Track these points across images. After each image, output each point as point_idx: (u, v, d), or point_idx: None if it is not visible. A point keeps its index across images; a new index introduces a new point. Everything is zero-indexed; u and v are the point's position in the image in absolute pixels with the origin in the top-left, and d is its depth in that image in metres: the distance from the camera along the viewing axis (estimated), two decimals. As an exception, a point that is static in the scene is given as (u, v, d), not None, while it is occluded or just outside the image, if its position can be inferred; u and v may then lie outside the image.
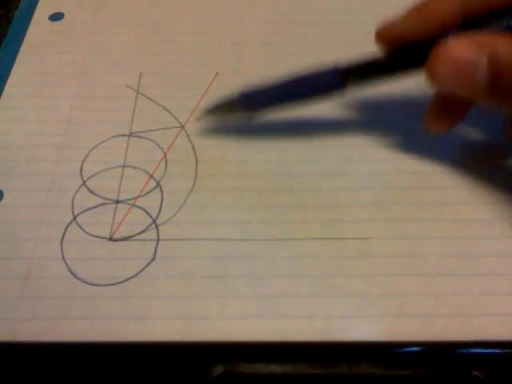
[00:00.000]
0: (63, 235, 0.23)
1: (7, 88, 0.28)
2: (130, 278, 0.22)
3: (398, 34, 0.21)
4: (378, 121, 0.26)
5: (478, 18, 0.20)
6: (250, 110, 0.25)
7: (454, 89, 0.20)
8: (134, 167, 0.25)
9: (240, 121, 0.25)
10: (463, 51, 0.19)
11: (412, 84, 0.23)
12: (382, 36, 0.22)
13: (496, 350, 0.20)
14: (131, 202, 0.24)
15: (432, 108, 0.23)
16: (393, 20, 0.22)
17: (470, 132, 0.26)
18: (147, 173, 0.25)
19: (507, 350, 0.20)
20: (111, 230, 0.23)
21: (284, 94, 0.24)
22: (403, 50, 0.21)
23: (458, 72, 0.19)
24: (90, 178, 0.25)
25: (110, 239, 0.23)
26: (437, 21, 0.20)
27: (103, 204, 0.24)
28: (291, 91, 0.24)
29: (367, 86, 0.23)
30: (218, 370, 0.19)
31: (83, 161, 0.25)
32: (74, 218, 0.23)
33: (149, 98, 0.28)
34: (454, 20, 0.20)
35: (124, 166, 0.25)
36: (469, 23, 0.20)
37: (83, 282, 0.22)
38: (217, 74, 0.29)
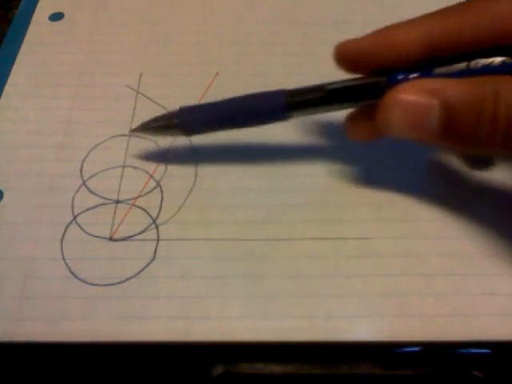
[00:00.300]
0: (63, 235, 0.23)
1: (7, 88, 0.28)
2: (130, 278, 0.22)
3: (356, 56, 0.21)
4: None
5: (443, 56, 0.19)
6: (188, 131, 0.23)
7: (407, 135, 0.19)
8: (133, 167, 0.25)
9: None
10: (415, 97, 0.18)
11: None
12: (338, 55, 0.21)
13: (496, 350, 0.20)
14: (131, 201, 0.24)
15: (353, 114, 0.23)
16: (353, 40, 0.21)
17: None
18: (147, 173, 0.25)
19: (507, 350, 0.20)
20: (111, 229, 0.23)
21: (224, 117, 0.23)
22: (354, 81, 0.21)
23: (410, 118, 0.19)
24: (90, 178, 0.25)
25: (110, 239, 0.23)
26: (396, 50, 0.20)
27: (103, 204, 0.24)
28: (232, 115, 0.23)
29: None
30: (218, 369, 0.19)
31: (83, 161, 0.25)
32: (74, 218, 0.23)
33: (149, 98, 0.28)
34: (415, 52, 0.19)
35: (124, 166, 0.25)
36: (433, 61, 0.19)
37: (83, 282, 0.22)
38: (217, 74, 0.29)
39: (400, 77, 0.20)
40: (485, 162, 0.23)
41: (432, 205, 0.24)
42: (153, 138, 0.24)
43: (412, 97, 0.18)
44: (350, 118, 0.23)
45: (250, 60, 0.29)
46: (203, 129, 0.23)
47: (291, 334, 0.20)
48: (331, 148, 0.26)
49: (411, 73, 0.19)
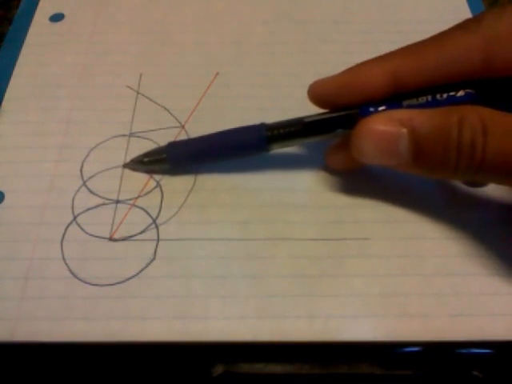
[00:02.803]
0: (63, 235, 0.23)
1: (9, 90, 0.28)
2: (130, 278, 0.22)
3: (327, 95, 0.22)
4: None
5: (409, 90, 0.21)
6: (176, 164, 0.24)
7: (380, 162, 0.21)
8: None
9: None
10: (384, 126, 0.20)
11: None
12: (312, 95, 0.22)
13: (496, 350, 0.20)
14: (131, 201, 0.24)
15: (335, 144, 0.24)
16: (324, 79, 0.22)
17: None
18: (147, 173, 0.25)
19: (507, 350, 0.20)
20: (111, 229, 0.23)
21: (208, 152, 0.24)
22: (329, 114, 0.22)
23: (381, 146, 0.20)
24: (90, 178, 0.25)
25: (110, 239, 0.23)
26: (364, 87, 0.21)
27: (103, 204, 0.24)
28: (216, 148, 0.24)
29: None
30: (218, 369, 0.19)
31: (83, 161, 0.25)
32: (74, 218, 0.23)
33: (149, 98, 0.28)
34: (383, 89, 0.21)
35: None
36: (401, 94, 0.21)
37: (83, 281, 0.22)
38: (217, 74, 0.29)
39: (371, 109, 0.21)
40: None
41: (432, 205, 0.24)
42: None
43: (382, 126, 0.20)
44: (330, 150, 0.24)
45: (250, 60, 0.29)
46: (189, 163, 0.25)
47: (291, 334, 0.20)
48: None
49: (381, 105, 0.21)
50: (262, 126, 0.23)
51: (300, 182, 0.25)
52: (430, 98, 0.20)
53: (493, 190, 0.24)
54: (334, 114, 0.22)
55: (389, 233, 0.23)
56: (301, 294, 0.21)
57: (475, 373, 0.19)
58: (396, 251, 0.22)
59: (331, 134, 0.22)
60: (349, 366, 0.19)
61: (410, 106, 0.21)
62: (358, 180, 0.24)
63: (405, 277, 0.22)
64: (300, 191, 0.24)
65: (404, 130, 0.19)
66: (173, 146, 0.24)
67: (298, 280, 0.22)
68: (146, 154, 0.24)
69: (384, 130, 0.20)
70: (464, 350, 0.20)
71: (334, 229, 0.23)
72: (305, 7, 0.32)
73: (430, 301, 0.21)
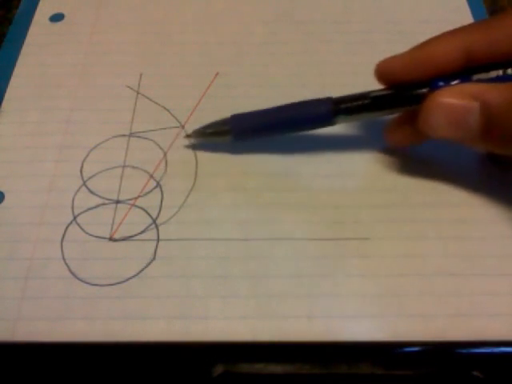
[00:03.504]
0: (63, 235, 0.23)
1: (9, 90, 0.28)
2: (130, 278, 0.22)
3: (397, 73, 0.22)
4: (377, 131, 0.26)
5: (480, 64, 0.21)
6: (239, 136, 0.24)
7: (449, 135, 0.20)
8: (133, 167, 0.25)
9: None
10: (456, 99, 0.20)
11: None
12: (380, 73, 0.22)
13: (496, 350, 0.20)
14: (131, 201, 0.24)
15: (396, 120, 0.24)
16: (393, 57, 0.22)
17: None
18: (147, 173, 0.25)
19: (507, 350, 0.20)
20: (111, 229, 0.23)
21: (274, 124, 0.24)
22: (396, 89, 0.22)
23: (451, 119, 0.20)
24: (90, 178, 0.25)
25: (110, 239, 0.23)
26: (436, 63, 0.21)
27: (103, 204, 0.24)
28: (281, 121, 0.24)
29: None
30: (218, 369, 0.19)
31: (83, 161, 0.25)
32: (75, 218, 0.23)
33: (149, 98, 0.28)
34: (454, 64, 0.21)
35: (124, 166, 0.25)
36: (471, 69, 0.21)
37: (83, 281, 0.22)
38: (217, 74, 0.29)
39: (441, 83, 0.21)
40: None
41: (432, 205, 0.24)
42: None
43: (453, 99, 0.20)
44: (390, 127, 0.24)
45: (250, 60, 0.29)
46: (253, 135, 0.25)
47: (291, 334, 0.20)
48: (331, 148, 0.26)
49: (451, 80, 0.21)
50: (329, 100, 0.23)
51: (300, 181, 0.25)
52: (501, 72, 0.20)
53: (493, 189, 0.24)
54: (402, 88, 0.22)
55: (389, 233, 0.23)
56: (301, 294, 0.21)
57: (475, 373, 0.19)
58: (396, 251, 0.22)
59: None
60: (349, 366, 0.19)
61: (480, 81, 0.20)
62: (358, 180, 0.24)
63: (405, 277, 0.22)
64: (300, 191, 0.24)
65: (475, 104, 0.19)
66: (237, 118, 0.24)
67: (297, 280, 0.22)
68: (209, 126, 0.25)
69: (455, 103, 0.20)
70: (464, 350, 0.20)
71: (334, 229, 0.23)
72: (305, 7, 0.32)
73: (430, 301, 0.21)
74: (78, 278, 0.22)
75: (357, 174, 0.25)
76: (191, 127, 0.26)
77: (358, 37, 0.30)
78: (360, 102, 0.22)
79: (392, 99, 0.22)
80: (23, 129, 0.26)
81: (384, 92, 0.22)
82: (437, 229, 0.23)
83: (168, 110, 0.27)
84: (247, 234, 0.23)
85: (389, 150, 0.25)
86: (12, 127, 0.26)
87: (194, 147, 0.26)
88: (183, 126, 0.26)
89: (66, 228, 0.23)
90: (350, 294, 0.21)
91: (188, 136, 0.25)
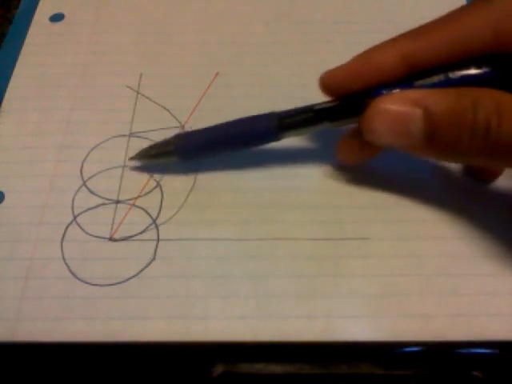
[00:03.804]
0: (63, 235, 0.23)
1: (9, 90, 0.28)
2: (130, 278, 0.22)
3: (340, 83, 0.22)
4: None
5: (422, 70, 0.20)
6: (185, 156, 0.24)
7: (392, 143, 0.20)
8: (134, 167, 0.25)
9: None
10: (397, 105, 0.19)
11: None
12: (324, 85, 0.22)
13: (496, 350, 0.20)
14: (131, 201, 0.24)
15: (343, 138, 0.23)
16: (336, 68, 0.22)
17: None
18: (147, 173, 0.25)
19: (507, 350, 0.20)
20: (111, 229, 0.23)
21: (218, 142, 0.23)
22: (340, 100, 0.22)
23: (393, 126, 0.20)
24: (90, 178, 0.25)
25: (110, 239, 0.23)
26: (376, 71, 0.21)
27: (103, 204, 0.24)
28: (226, 139, 0.23)
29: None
30: (218, 369, 0.19)
31: (83, 161, 0.25)
32: (75, 218, 0.23)
33: (149, 98, 0.28)
34: (396, 71, 0.20)
35: (124, 166, 0.25)
36: (414, 75, 0.20)
37: (83, 281, 0.22)
38: (217, 74, 0.29)
39: (383, 92, 0.21)
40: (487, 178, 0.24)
41: (432, 205, 0.24)
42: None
43: (395, 106, 0.19)
44: (340, 144, 0.24)
45: (250, 60, 0.29)
46: (198, 154, 0.24)
47: (291, 334, 0.20)
48: (331, 148, 0.26)
49: (393, 88, 0.20)
50: (273, 115, 0.22)
51: (300, 181, 0.25)
52: (442, 77, 0.20)
53: (493, 189, 0.24)
54: (345, 99, 0.22)
55: (389, 233, 0.23)
56: (301, 294, 0.21)
57: (475, 373, 0.19)
58: (396, 251, 0.22)
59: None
60: (349, 365, 0.19)
61: (422, 87, 0.20)
62: (358, 180, 0.24)
63: (405, 277, 0.22)
64: (300, 191, 0.24)
65: (418, 111, 0.19)
66: (181, 137, 0.24)
67: (297, 280, 0.22)
68: (153, 146, 0.24)
69: (397, 109, 0.19)
70: (464, 350, 0.20)
71: (334, 229, 0.23)
72: (305, 7, 0.32)
73: (430, 301, 0.21)
74: (78, 278, 0.22)
75: (357, 173, 0.25)
76: (191, 127, 0.26)
77: (358, 37, 0.30)
78: (304, 116, 0.22)
79: (336, 111, 0.22)
80: (23, 129, 0.26)
81: (328, 104, 0.22)
82: (437, 228, 0.23)
83: (168, 110, 0.27)
84: (247, 234, 0.23)
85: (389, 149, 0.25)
86: (12, 127, 0.27)
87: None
88: (183, 126, 0.26)
89: (66, 228, 0.23)
90: (350, 294, 0.21)
91: (132, 158, 0.25)
